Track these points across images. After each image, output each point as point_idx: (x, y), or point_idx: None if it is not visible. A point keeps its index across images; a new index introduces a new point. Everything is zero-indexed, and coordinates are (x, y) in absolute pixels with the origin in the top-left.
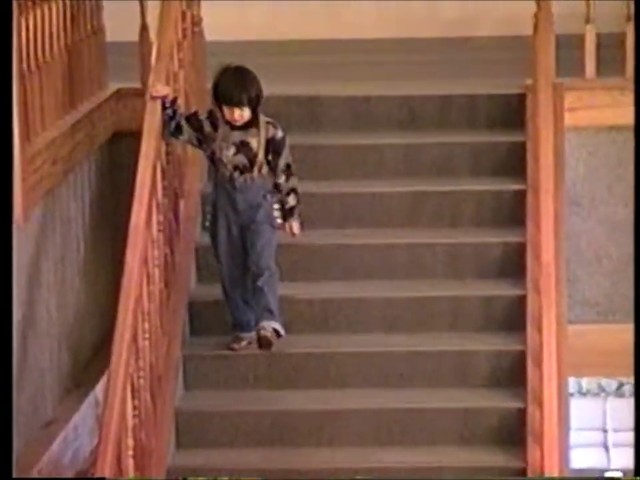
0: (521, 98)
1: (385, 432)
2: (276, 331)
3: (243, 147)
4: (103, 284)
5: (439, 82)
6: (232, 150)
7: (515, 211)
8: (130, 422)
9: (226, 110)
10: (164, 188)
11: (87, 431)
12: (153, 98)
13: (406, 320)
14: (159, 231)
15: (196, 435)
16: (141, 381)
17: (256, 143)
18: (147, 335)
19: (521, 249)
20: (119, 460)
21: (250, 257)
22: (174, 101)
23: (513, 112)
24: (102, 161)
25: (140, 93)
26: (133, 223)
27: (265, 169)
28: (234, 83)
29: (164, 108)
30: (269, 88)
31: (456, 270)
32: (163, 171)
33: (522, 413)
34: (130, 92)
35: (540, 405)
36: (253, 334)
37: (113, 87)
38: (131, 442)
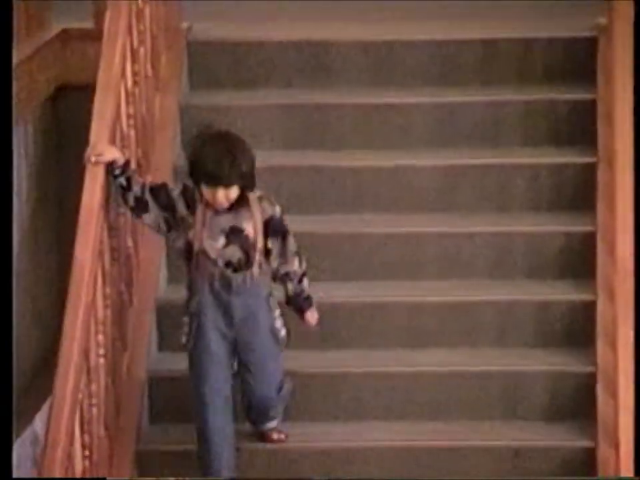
0: (591, 42)
1: (413, 477)
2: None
3: (234, 235)
4: (44, 285)
5: (482, 23)
6: (221, 240)
7: (581, 192)
8: (79, 466)
9: (206, 191)
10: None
11: (23, 476)
12: (94, 163)
13: (437, 332)
14: (118, 214)
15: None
16: (94, 410)
17: (251, 228)
18: (101, 351)
19: (588, 241)
20: None
21: (250, 388)
22: (125, 165)
23: (579, 61)
24: (43, 121)
25: (92, 35)
26: (85, 203)
27: (264, 263)
28: (217, 155)
29: (113, 176)
30: (264, 30)
31: (503, 267)
32: (123, 138)
33: (590, 455)
34: (79, 33)
35: (615, 445)
36: None
37: (57, 27)
38: None
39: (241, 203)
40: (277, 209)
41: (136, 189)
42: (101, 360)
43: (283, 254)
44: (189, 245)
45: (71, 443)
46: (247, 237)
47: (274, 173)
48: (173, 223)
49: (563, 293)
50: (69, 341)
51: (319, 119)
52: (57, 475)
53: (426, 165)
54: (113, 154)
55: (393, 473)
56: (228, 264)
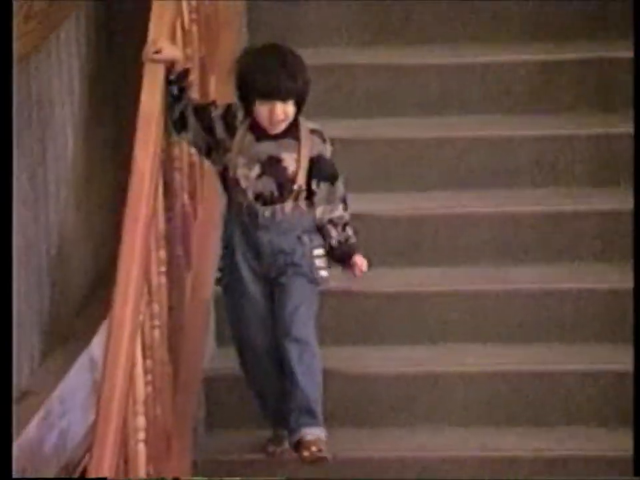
0: None
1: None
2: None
3: (272, 165)
4: (99, 197)
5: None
6: (255, 169)
7: None
8: (141, 392)
9: (260, 107)
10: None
11: (79, 405)
12: (153, 61)
13: (533, 246)
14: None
15: (232, 412)
16: (156, 333)
17: (293, 161)
18: (163, 269)
19: None
20: (124, 447)
21: (277, 324)
22: (185, 73)
23: None
24: (95, 17)
25: None
26: (144, 106)
27: (302, 200)
28: (274, 67)
29: (168, 81)
30: None
31: (606, 173)
32: (185, 34)
33: None
34: None
35: None
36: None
37: None
38: (141, 421)
39: (288, 131)
40: (329, 148)
41: (185, 101)
42: (163, 278)
43: (331, 200)
44: (225, 171)
45: (133, 368)
46: (284, 169)
47: (348, 72)
48: (213, 145)
49: None
50: (127, 257)
51: (399, 12)
52: (116, 403)
53: (519, 60)
54: (174, 52)
55: (483, 398)
56: (258, 196)
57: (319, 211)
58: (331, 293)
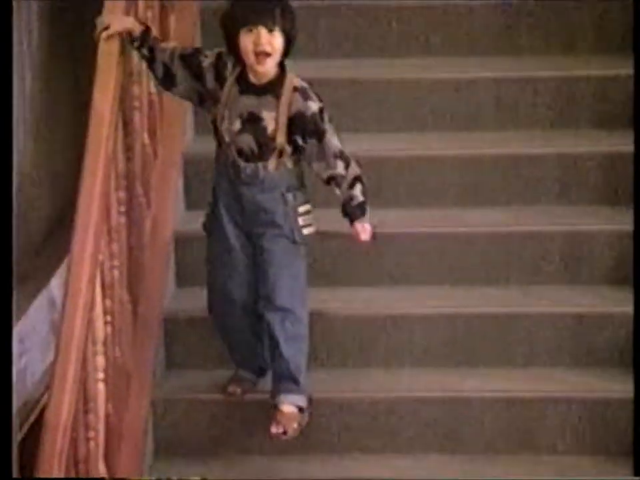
0: None
1: (464, 341)
2: (299, 408)
3: (252, 122)
4: (59, 139)
5: None
6: (237, 124)
7: None
8: (100, 332)
9: (245, 39)
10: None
11: (38, 344)
12: (107, 37)
13: (495, 188)
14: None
15: (192, 351)
16: (115, 272)
17: (272, 119)
18: (122, 209)
19: None
20: (83, 387)
21: (260, 290)
22: (145, 33)
23: None
24: None
25: None
26: (101, 70)
27: (287, 157)
28: None
29: (136, 47)
30: None
31: (567, 116)
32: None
33: None
34: None
35: None
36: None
37: None
38: (101, 361)
39: (271, 87)
40: (312, 105)
41: (162, 56)
42: (122, 218)
43: (322, 156)
44: (214, 121)
45: (92, 308)
46: (264, 128)
47: (310, 12)
48: (205, 95)
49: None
50: (87, 197)
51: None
52: (76, 341)
53: (481, 2)
54: (124, 23)
55: (443, 340)
56: (240, 152)
57: (315, 168)
58: None
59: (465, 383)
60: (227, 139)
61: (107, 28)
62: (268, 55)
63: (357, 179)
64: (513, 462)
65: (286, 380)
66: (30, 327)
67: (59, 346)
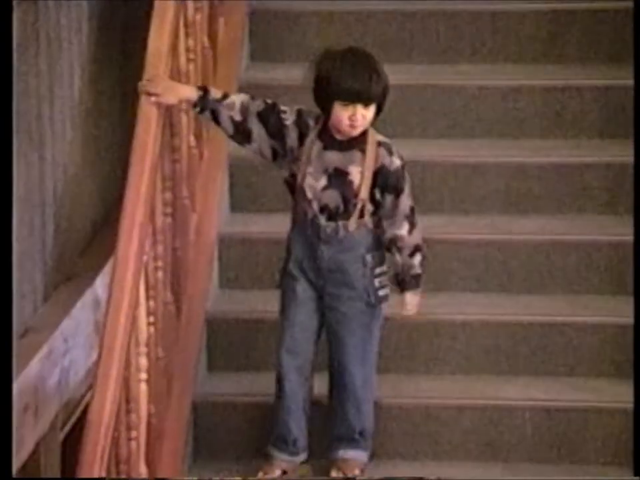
0: None
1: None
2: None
3: (338, 177)
4: (106, 139)
5: None
6: (322, 181)
7: None
8: (143, 333)
9: (340, 111)
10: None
11: (82, 344)
12: (151, 102)
13: (539, 196)
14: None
15: (234, 354)
16: (159, 274)
17: (358, 173)
18: (168, 210)
19: None
20: (126, 387)
21: (332, 350)
22: (203, 97)
23: None
24: None
25: None
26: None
27: (367, 215)
28: (359, 69)
29: (197, 112)
30: None
31: (615, 124)
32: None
33: None
34: None
35: None
36: (298, 459)
37: None
38: (143, 362)
39: (355, 141)
40: (396, 160)
41: (230, 113)
42: (168, 220)
43: (392, 214)
44: (293, 178)
45: (136, 308)
46: (350, 182)
47: (358, 18)
48: (280, 151)
49: None
50: (133, 197)
51: None
52: (120, 341)
53: (530, 8)
54: (178, 94)
55: (484, 348)
56: (323, 209)
57: (384, 224)
58: None
59: (507, 391)
60: (309, 195)
61: (154, 94)
62: (361, 125)
63: (418, 248)
64: (554, 472)
65: (347, 440)
66: (74, 326)
67: (102, 346)
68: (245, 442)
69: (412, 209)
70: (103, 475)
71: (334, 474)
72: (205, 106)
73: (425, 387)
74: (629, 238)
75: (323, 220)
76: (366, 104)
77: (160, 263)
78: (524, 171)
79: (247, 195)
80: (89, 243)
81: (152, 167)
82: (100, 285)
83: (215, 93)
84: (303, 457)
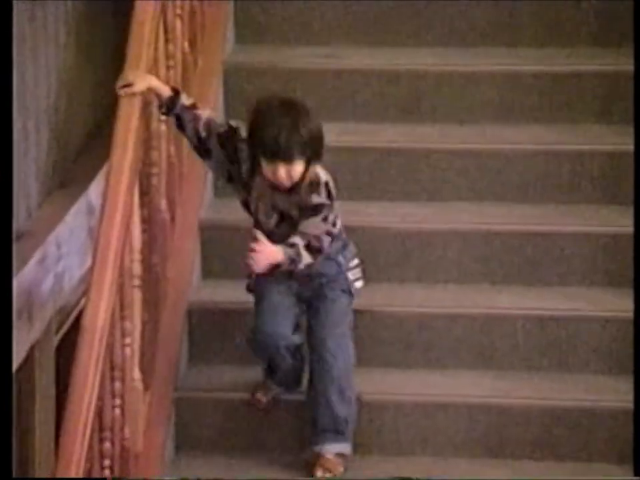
0: None
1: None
2: (341, 455)
3: (286, 220)
4: (101, 43)
5: None
6: (273, 219)
7: None
8: (137, 239)
9: (265, 165)
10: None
11: (76, 250)
12: (127, 93)
13: (534, 106)
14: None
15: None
16: (154, 180)
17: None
18: (162, 118)
19: None
20: (121, 292)
21: (313, 332)
22: (173, 98)
23: None
24: None
25: None
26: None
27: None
28: (281, 128)
29: (162, 113)
30: None
31: (610, 34)
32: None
33: None
34: None
35: None
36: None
37: None
38: (137, 268)
39: (301, 183)
40: (317, 199)
41: (195, 125)
42: (162, 126)
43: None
44: (247, 204)
45: (130, 215)
46: (296, 221)
47: None
48: (235, 177)
49: None
50: (128, 105)
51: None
52: (114, 248)
53: None
54: (147, 82)
55: (477, 257)
56: (283, 241)
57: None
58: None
59: (499, 300)
60: (265, 228)
61: (129, 85)
62: (286, 181)
63: (315, 249)
64: (545, 379)
65: (332, 432)
66: (68, 232)
67: (96, 252)
68: (227, 437)
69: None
70: (98, 379)
71: (319, 473)
72: (173, 109)
73: (417, 295)
74: (624, 147)
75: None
76: (288, 161)
77: (155, 170)
78: (518, 80)
79: (240, 103)
80: (83, 150)
81: (147, 73)
82: (94, 191)
83: (186, 99)
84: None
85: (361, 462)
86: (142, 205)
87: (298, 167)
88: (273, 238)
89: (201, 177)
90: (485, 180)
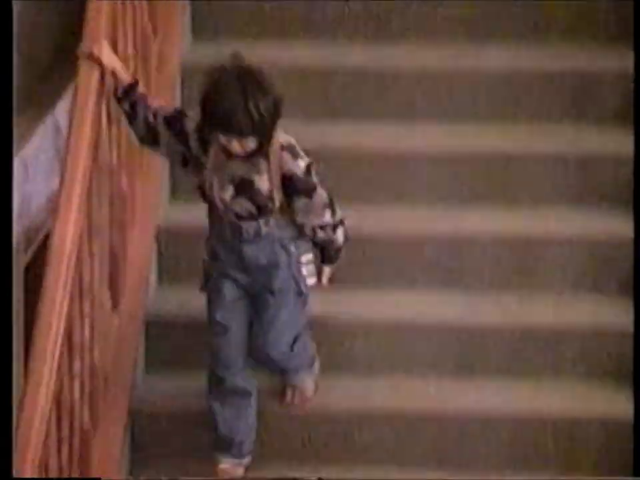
0: None
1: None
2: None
3: (245, 187)
4: None
5: None
6: (229, 191)
7: None
8: (106, 157)
9: (220, 139)
10: None
11: (43, 170)
12: (87, 58)
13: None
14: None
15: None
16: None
17: (266, 181)
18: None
19: None
20: (87, 214)
21: (258, 341)
22: (131, 87)
23: None
24: None
25: None
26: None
27: (286, 211)
28: (234, 100)
29: (116, 99)
30: None
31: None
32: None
33: None
34: None
35: None
36: (245, 461)
37: None
38: (106, 187)
39: (259, 150)
40: (300, 164)
41: (145, 113)
42: (130, 49)
43: (311, 210)
44: (202, 186)
45: (98, 135)
46: (258, 190)
47: None
48: (189, 158)
49: None
50: (94, 23)
51: None
52: (82, 168)
53: None
54: (112, 61)
55: (446, 177)
56: (238, 216)
57: (302, 219)
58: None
59: (468, 220)
60: (220, 205)
61: (90, 55)
62: (241, 153)
63: (338, 224)
64: (514, 300)
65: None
66: (34, 153)
67: (64, 172)
68: (198, 356)
69: (330, 199)
70: (67, 301)
71: (289, 394)
72: (130, 95)
73: (387, 217)
74: (593, 65)
75: (241, 222)
76: (241, 136)
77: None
78: None
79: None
80: (50, 69)
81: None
82: (61, 111)
83: (142, 89)
84: (247, 460)
85: (332, 382)
86: (110, 124)
87: (251, 143)
88: (233, 210)
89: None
90: (456, 101)
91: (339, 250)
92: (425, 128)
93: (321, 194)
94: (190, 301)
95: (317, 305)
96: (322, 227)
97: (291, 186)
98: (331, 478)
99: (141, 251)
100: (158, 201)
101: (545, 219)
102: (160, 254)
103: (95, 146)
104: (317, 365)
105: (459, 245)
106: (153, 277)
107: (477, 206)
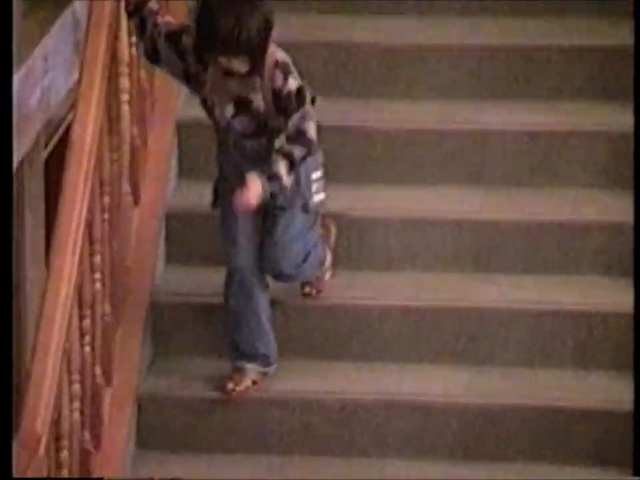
0: None
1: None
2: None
3: (244, 105)
4: None
5: None
6: (229, 109)
7: None
8: (124, 51)
9: (219, 58)
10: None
11: (62, 63)
12: None
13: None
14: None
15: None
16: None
17: (261, 100)
18: None
19: None
20: (107, 108)
21: (269, 257)
22: (142, 3)
23: None
24: None
25: None
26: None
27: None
28: (225, 19)
29: (128, 13)
30: None
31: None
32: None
33: None
34: None
35: None
36: (270, 369)
37: None
38: (125, 82)
39: (254, 68)
40: (291, 84)
41: (152, 30)
42: None
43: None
44: (205, 103)
45: (118, 27)
46: (256, 109)
47: None
48: (190, 75)
49: None
50: None
51: None
52: (100, 62)
53: None
54: None
55: (467, 72)
56: (241, 133)
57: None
58: None
59: (489, 115)
60: (222, 123)
61: None
62: (233, 73)
63: (294, 162)
64: (534, 195)
65: (248, 351)
66: (53, 46)
67: (83, 67)
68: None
69: (299, 132)
70: (87, 195)
71: (307, 289)
72: (139, 10)
73: (405, 111)
74: (583, 42)
75: (245, 140)
76: (232, 56)
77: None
78: None
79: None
80: None
81: None
82: (79, 5)
83: (153, 5)
84: (273, 368)
85: (352, 278)
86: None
87: (243, 63)
88: (235, 130)
89: None
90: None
91: (271, 178)
92: (444, 22)
93: (307, 126)
94: (208, 195)
95: (337, 201)
96: (285, 155)
97: (280, 104)
98: (349, 369)
99: (160, 145)
100: (177, 97)
101: (566, 113)
102: (179, 148)
103: (115, 37)
104: (328, 258)
105: (479, 140)
106: (173, 172)
107: (496, 101)
